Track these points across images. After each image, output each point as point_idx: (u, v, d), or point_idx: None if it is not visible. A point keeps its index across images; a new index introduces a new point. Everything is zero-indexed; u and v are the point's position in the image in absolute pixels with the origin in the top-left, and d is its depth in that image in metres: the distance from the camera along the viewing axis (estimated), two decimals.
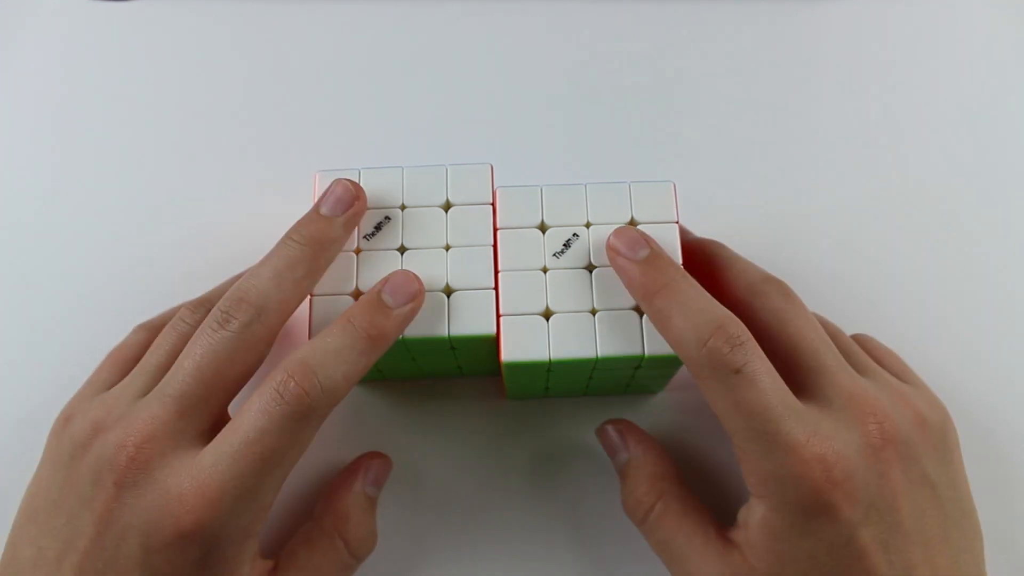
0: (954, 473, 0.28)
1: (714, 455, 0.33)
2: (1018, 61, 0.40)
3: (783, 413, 0.25)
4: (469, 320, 0.27)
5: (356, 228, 0.28)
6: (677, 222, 0.28)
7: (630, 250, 0.27)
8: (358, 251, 0.28)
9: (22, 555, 0.26)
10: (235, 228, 0.35)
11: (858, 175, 0.38)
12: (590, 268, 0.28)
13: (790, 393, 0.26)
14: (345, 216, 0.28)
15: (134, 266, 0.36)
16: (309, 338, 0.26)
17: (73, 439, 0.26)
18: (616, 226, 0.28)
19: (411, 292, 0.26)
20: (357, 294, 0.27)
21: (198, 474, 0.24)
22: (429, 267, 0.27)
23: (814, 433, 0.25)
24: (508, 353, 0.26)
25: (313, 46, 0.41)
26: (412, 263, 0.27)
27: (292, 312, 0.27)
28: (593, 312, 0.27)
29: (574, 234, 0.28)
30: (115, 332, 0.33)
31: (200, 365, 0.26)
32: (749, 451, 0.25)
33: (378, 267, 0.27)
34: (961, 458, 0.29)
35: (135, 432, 0.25)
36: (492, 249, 0.28)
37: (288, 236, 0.27)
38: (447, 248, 0.28)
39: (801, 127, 0.39)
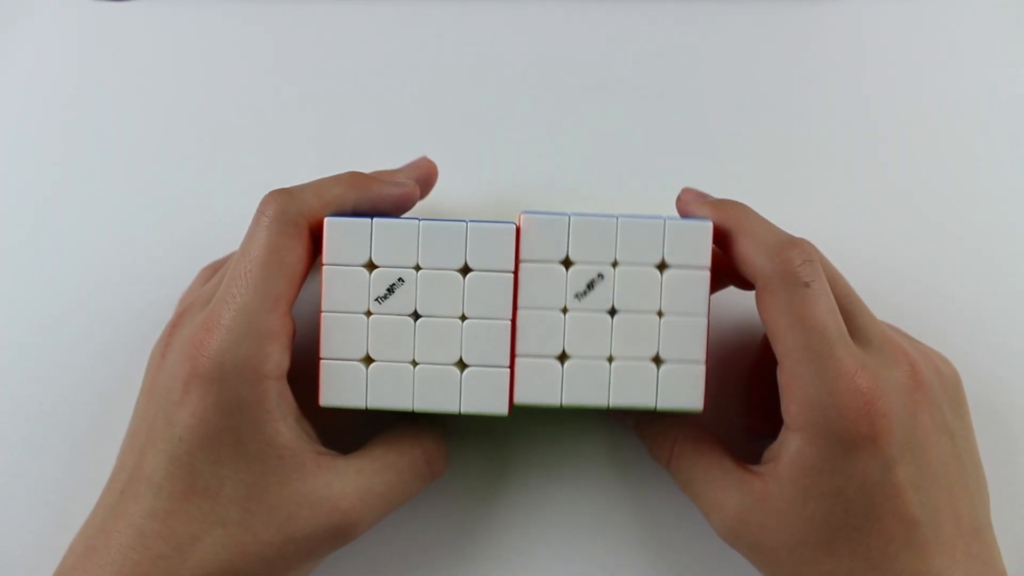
0: (968, 428, 0.29)
1: None
2: (1019, 60, 0.38)
3: (839, 338, 0.26)
4: (482, 399, 0.26)
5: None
6: (709, 268, 0.27)
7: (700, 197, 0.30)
8: (369, 314, 0.26)
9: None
10: (236, 230, 0.32)
11: (858, 174, 0.37)
12: (612, 312, 0.27)
13: (843, 322, 0.27)
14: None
15: (133, 266, 0.35)
16: (319, 401, 0.26)
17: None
18: (644, 268, 0.26)
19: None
20: (368, 360, 0.26)
21: (205, 316, 0.26)
22: (443, 338, 0.26)
23: (863, 365, 0.26)
24: (520, 396, 0.26)
25: (319, 47, 0.37)
26: (425, 332, 0.26)
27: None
28: (609, 360, 0.27)
29: (599, 275, 0.26)
30: (114, 333, 0.34)
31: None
32: (799, 374, 0.26)
33: (389, 333, 0.26)
34: (970, 416, 0.30)
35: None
36: (511, 324, 0.26)
37: None
38: (463, 319, 0.26)
39: (800, 127, 0.37)
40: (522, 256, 0.26)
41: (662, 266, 0.27)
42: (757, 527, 0.27)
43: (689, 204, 0.30)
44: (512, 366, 0.27)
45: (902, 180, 0.37)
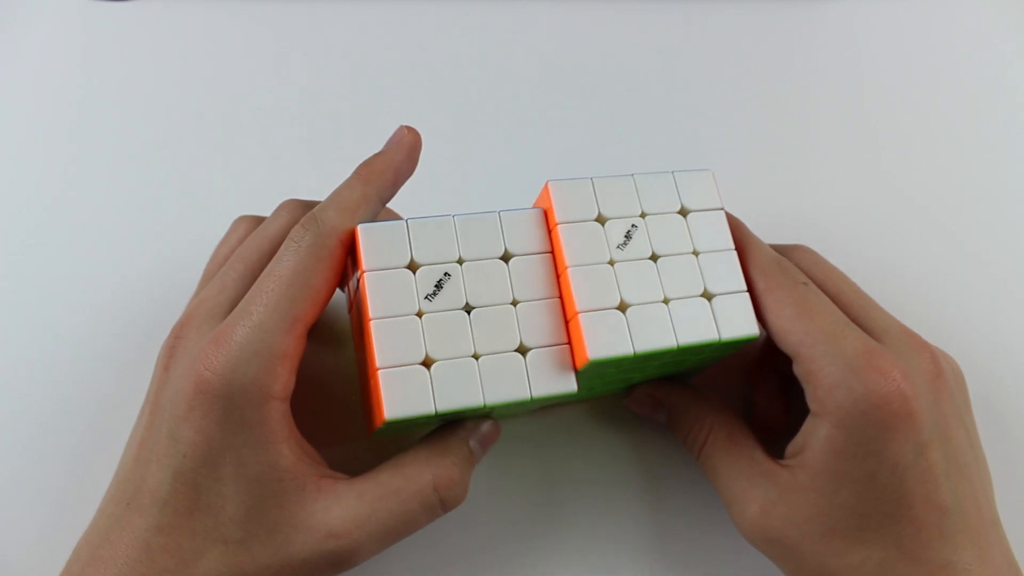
0: (974, 423, 0.30)
1: None
2: (1017, 59, 0.41)
3: (846, 323, 0.27)
4: (549, 380, 0.26)
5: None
6: (722, 208, 0.29)
7: None
8: (420, 314, 0.25)
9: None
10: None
11: (856, 174, 0.39)
12: (654, 258, 0.27)
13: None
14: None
15: (136, 266, 0.35)
16: (383, 415, 0.25)
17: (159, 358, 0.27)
18: (670, 215, 0.28)
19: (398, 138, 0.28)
20: (428, 362, 0.25)
21: (217, 331, 0.25)
22: (499, 326, 0.26)
23: (878, 347, 0.26)
24: (594, 351, 0.25)
25: (320, 46, 0.39)
26: (481, 322, 0.26)
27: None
28: (666, 301, 0.27)
29: (633, 225, 0.27)
30: (117, 334, 0.33)
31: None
32: (817, 356, 0.26)
33: (446, 329, 0.25)
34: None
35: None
36: (559, 301, 0.27)
37: None
38: (515, 304, 0.26)
39: (800, 126, 0.40)
40: (558, 219, 0.27)
41: (683, 212, 0.28)
42: (781, 520, 0.26)
43: None
44: (570, 331, 0.26)
45: (902, 180, 0.38)
